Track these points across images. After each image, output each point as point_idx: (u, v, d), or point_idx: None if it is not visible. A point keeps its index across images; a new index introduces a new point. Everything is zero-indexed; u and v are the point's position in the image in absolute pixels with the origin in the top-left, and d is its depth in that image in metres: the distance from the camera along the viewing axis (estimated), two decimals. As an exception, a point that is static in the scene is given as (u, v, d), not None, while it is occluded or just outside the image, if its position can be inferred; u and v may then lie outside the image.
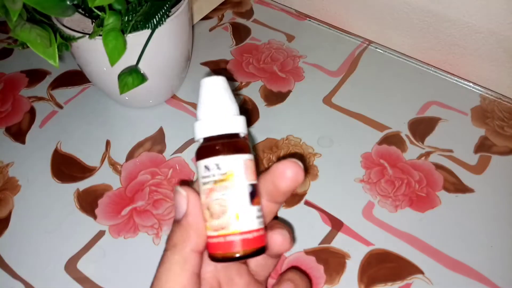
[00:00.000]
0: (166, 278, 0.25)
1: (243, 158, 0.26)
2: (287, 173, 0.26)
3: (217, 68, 0.55)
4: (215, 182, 0.25)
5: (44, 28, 0.38)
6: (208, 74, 0.55)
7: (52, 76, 0.56)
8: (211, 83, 0.27)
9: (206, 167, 0.26)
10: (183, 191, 0.26)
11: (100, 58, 0.42)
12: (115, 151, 0.48)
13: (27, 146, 0.49)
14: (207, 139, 0.26)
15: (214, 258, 0.26)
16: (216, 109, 0.26)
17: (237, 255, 0.25)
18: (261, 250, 0.26)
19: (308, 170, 0.46)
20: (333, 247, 0.40)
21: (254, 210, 0.26)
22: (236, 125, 0.26)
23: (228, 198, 0.25)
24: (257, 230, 0.26)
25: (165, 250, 0.26)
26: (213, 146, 0.26)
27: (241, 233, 0.25)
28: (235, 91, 0.53)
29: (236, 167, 0.25)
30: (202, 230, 0.26)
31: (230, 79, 0.54)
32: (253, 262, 0.29)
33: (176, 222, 0.26)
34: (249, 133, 0.48)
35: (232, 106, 0.27)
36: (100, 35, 0.40)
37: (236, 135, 0.26)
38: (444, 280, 0.38)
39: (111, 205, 0.44)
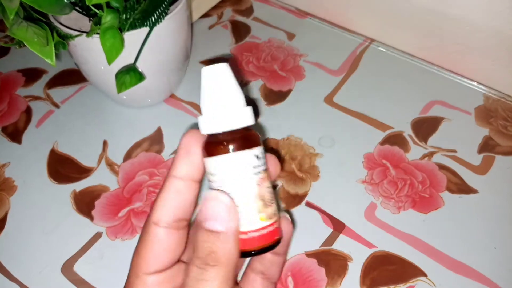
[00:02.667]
0: None
1: None
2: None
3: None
4: (265, 170, 0.25)
5: (41, 26, 0.37)
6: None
7: (49, 75, 0.55)
8: (217, 72, 0.25)
9: (257, 156, 0.25)
10: (226, 199, 0.24)
11: (97, 57, 0.41)
12: (113, 151, 0.48)
13: (23, 146, 0.49)
14: (233, 131, 0.25)
15: (263, 250, 0.25)
16: (231, 98, 0.25)
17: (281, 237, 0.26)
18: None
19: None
20: (335, 249, 0.40)
21: None
22: (252, 115, 0.26)
23: (271, 186, 0.26)
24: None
25: (205, 264, 0.23)
26: (254, 135, 0.26)
27: (280, 218, 0.27)
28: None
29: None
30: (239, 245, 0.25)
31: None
32: (266, 260, 0.29)
33: (216, 234, 0.24)
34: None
35: (242, 94, 0.26)
36: (97, 34, 0.39)
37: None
38: (448, 282, 0.38)
39: (109, 206, 0.43)
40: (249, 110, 0.26)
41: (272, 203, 0.25)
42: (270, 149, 0.47)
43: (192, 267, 0.24)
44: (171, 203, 0.25)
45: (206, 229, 0.24)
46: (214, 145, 0.25)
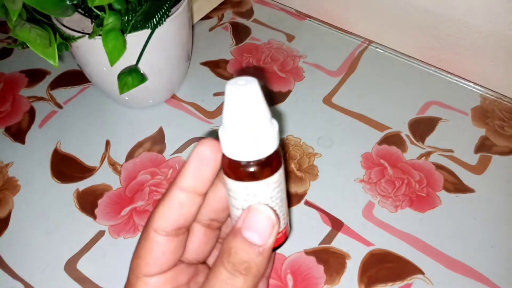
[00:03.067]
0: None
1: None
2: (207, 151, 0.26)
3: (214, 70, 0.55)
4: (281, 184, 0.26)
5: (44, 28, 0.38)
6: (208, 74, 0.55)
7: (52, 76, 0.56)
8: (251, 87, 0.22)
9: (279, 175, 0.25)
10: (272, 215, 0.24)
11: (99, 58, 0.42)
12: (115, 151, 0.48)
13: (26, 146, 0.49)
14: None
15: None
16: (265, 120, 0.23)
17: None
18: None
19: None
20: (333, 247, 0.40)
21: None
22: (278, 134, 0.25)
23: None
24: None
25: (236, 271, 0.24)
26: (278, 158, 0.25)
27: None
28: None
29: None
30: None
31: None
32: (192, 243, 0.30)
33: (254, 247, 0.24)
34: None
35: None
36: (99, 35, 0.40)
37: None
38: (445, 280, 0.38)
39: (111, 205, 0.44)
40: (276, 130, 0.24)
41: (280, 212, 0.26)
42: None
43: (221, 269, 0.24)
44: (172, 215, 0.26)
45: (244, 238, 0.24)
46: (238, 169, 0.24)
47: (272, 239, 0.24)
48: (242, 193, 0.25)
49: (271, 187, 0.25)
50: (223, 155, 0.25)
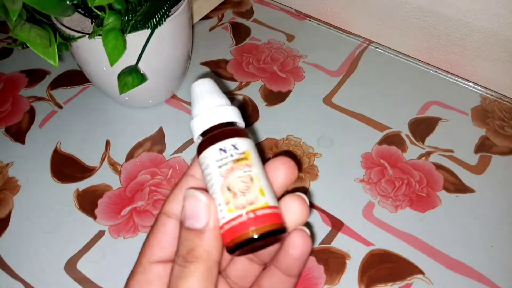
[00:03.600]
0: None
1: (252, 142, 0.26)
2: (280, 169, 0.26)
3: (214, 70, 0.55)
4: (235, 161, 0.25)
5: (43, 28, 0.38)
6: (207, 75, 0.55)
7: (52, 76, 0.56)
8: (201, 84, 0.27)
9: (222, 149, 0.25)
10: (202, 197, 0.24)
11: (99, 58, 0.42)
12: (115, 151, 0.48)
13: (26, 146, 0.49)
14: (211, 129, 0.26)
15: (239, 244, 0.24)
16: (212, 103, 0.27)
17: (274, 229, 0.24)
18: (284, 229, 0.24)
19: (301, 168, 0.46)
20: (333, 247, 0.40)
21: (271, 188, 0.25)
22: (236, 114, 0.27)
23: (252, 174, 0.24)
24: (278, 208, 0.25)
25: (185, 261, 0.23)
26: (227, 130, 0.26)
27: (270, 207, 0.24)
28: (234, 91, 0.53)
29: (251, 148, 0.25)
30: (221, 241, 0.25)
31: (230, 78, 0.54)
32: (235, 271, 0.28)
33: (196, 232, 0.24)
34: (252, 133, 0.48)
35: (225, 100, 0.27)
36: (99, 35, 0.40)
37: (235, 124, 0.27)
38: (444, 280, 0.38)
39: (111, 205, 0.44)
40: (229, 109, 0.27)
41: (245, 191, 0.24)
42: (285, 152, 0.47)
43: (173, 265, 0.24)
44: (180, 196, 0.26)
45: (186, 228, 0.24)
46: (200, 144, 0.26)
47: (212, 220, 0.24)
48: (202, 169, 0.26)
49: (211, 158, 0.25)
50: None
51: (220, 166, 0.25)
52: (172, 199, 0.26)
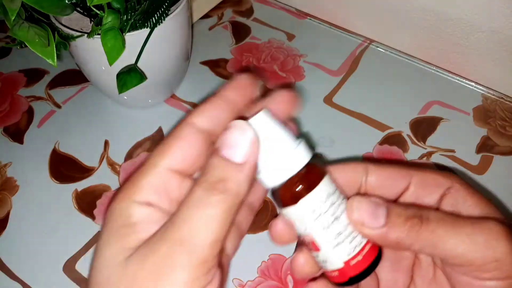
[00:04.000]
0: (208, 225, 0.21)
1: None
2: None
3: (214, 69, 0.55)
4: (338, 204, 0.25)
5: (42, 27, 0.37)
6: (208, 74, 0.54)
7: (50, 76, 0.56)
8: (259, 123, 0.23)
9: (322, 197, 0.24)
10: (250, 132, 0.22)
11: (98, 57, 0.41)
12: (114, 151, 0.48)
13: (25, 146, 0.49)
14: (293, 177, 0.24)
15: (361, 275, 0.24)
16: (286, 142, 0.24)
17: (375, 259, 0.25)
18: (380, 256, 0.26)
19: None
20: (334, 248, 0.40)
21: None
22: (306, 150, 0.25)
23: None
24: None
25: (212, 188, 0.21)
26: (312, 174, 0.24)
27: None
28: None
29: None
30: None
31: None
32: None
33: (232, 164, 0.22)
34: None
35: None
36: (98, 34, 0.39)
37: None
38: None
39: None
40: (301, 148, 0.24)
41: (345, 230, 0.24)
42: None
43: (196, 188, 0.22)
44: (212, 112, 0.24)
45: (221, 156, 0.22)
46: (282, 195, 0.24)
47: (253, 158, 0.23)
48: (293, 219, 0.25)
49: (313, 205, 0.24)
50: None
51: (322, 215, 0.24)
52: (202, 112, 0.24)
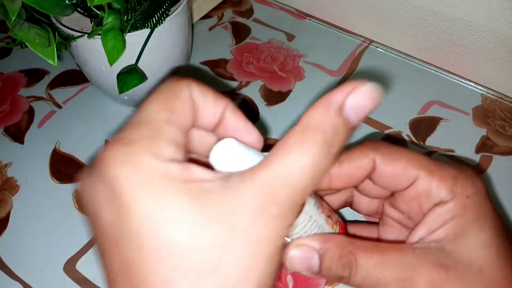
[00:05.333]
0: None
1: None
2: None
3: (214, 69, 0.55)
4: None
5: (43, 27, 0.37)
6: (208, 74, 0.55)
7: (51, 76, 0.56)
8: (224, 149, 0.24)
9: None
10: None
11: (99, 58, 0.41)
12: (114, 151, 0.48)
13: (25, 146, 0.49)
14: None
15: None
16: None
17: None
18: None
19: None
20: (334, 247, 0.40)
21: None
22: None
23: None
24: None
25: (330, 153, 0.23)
26: None
27: None
28: (234, 91, 0.53)
29: None
30: None
31: (230, 78, 0.54)
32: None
33: (346, 122, 0.24)
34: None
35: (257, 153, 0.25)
36: (99, 35, 0.40)
37: None
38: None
39: (110, 205, 0.44)
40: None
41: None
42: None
43: (314, 145, 0.22)
44: None
45: (345, 116, 0.25)
46: None
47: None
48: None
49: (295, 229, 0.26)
50: None
51: (318, 208, 0.27)
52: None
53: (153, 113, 0.23)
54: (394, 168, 0.27)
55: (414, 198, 0.27)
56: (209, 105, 0.26)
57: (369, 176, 0.28)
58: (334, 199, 0.31)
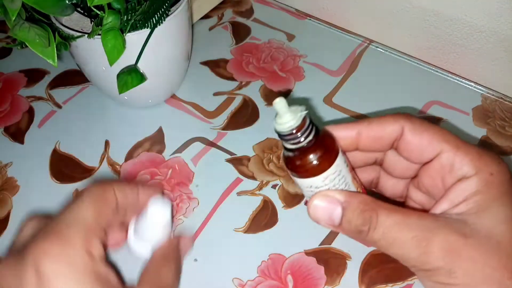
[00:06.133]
0: None
1: None
2: None
3: (214, 69, 0.55)
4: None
5: (43, 27, 0.37)
6: (208, 74, 0.55)
7: (51, 76, 0.56)
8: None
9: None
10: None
11: (99, 58, 0.41)
12: (114, 151, 0.48)
13: (25, 146, 0.49)
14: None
15: None
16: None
17: None
18: None
19: None
20: (334, 248, 0.40)
21: None
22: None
23: None
24: None
25: None
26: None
27: None
28: (234, 91, 0.53)
29: None
30: None
31: (230, 78, 0.54)
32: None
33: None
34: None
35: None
36: (99, 35, 0.40)
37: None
38: (446, 281, 0.38)
39: (110, 205, 0.44)
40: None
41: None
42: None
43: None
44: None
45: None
46: (299, 166, 0.28)
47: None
48: (303, 187, 0.29)
49: (325, 179, 0.28)
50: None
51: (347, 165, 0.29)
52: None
53: (84, 213, 0.28)
54: (421, 138, 0.27)
55: (437, 172, 0.27)
56: (134, 203, 0.33)
57: (395, 144, 0.28)
58: (361, 178, 0.32)
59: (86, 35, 0.40)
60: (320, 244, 0.40)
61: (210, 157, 0.47)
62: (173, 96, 0.53)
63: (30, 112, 0.52)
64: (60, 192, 0.45)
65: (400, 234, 0.25)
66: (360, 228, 0.26)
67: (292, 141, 0.27)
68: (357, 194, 0.27)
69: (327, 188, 0.27)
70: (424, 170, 0.28)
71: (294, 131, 0.26)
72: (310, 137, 0.27)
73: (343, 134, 0.29)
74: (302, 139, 0.27)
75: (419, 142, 0.27)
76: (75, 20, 0.45)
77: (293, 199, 0.43)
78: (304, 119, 0.27)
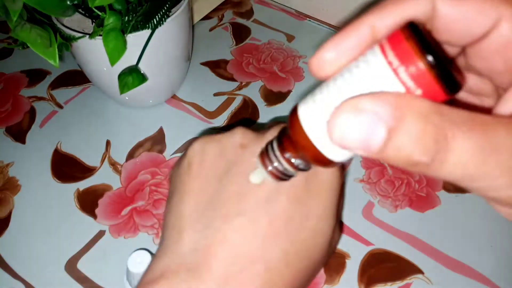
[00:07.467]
0: None
1: None
2: None
3: (214, 70, 0.55)
4: None
5: (44, 28, 0.38)
6: (208, 74, 0.55)
7: (52, 76, 0.56)
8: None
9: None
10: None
11: (100, 58, 0.42)
12: (115, 151, 0.48)
13: (27, 146, 0.49)
14: None
15: None
16: None
17: None
18: None
19: None
20: (333, 247, 0.41)
21: None
22: None
23: None
24: None
25: None
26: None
27: None
28: (234, 91, 0.53)
29: None
30: None
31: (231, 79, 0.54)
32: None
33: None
34: None
35: None
36: (100, 35, 0.40)
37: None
38: (444, 280, 0.38)
39: (111, 205, 0.44)
40: None
41: None
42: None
43: None
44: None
45: None
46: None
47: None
48: None
49: None
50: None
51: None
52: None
53: None
54: (465, 7, 0.18)
55: (496, 50, 0.19)
56: None
57: (428, 25, 0.20)
58: None
59: (88, 36, 0.41)
60: (320, 243, 0.41)
61: (211, 157, 0.47)
62: (174, 97, 0.53)
63: (32, 112, 0.52)
64: (61, 191, 0.45)
65: (487, 167, 0.16)
66: (417, 159, 0.16)
67: (288, 172, 0.25)
68: (411, 100, 0.16)
69: (348, 85, 0.20)
70: (474, 51, 0.19)
71: (276, 170, 0.25)
72: (282, 160, 0.24)
73: (350, 45, 0.21)
74: (284, 166, 0.24)
75: (462, 16, 0.18)
76: (77, 21, 0.45)
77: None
78: (262, 159, 0.25)
